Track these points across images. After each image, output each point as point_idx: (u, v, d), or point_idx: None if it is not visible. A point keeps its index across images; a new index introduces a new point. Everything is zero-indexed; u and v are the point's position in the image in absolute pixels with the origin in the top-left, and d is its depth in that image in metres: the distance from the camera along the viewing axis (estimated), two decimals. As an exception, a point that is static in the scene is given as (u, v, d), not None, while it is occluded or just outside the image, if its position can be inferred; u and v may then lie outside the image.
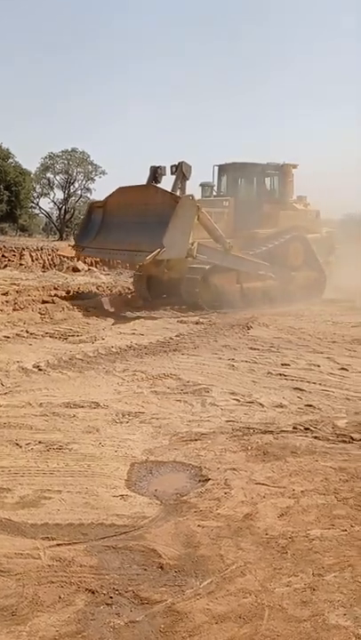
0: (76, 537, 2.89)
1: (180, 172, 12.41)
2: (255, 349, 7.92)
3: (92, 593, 2.44)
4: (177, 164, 12.49)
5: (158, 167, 12.63)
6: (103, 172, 43.63)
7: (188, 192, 12.64)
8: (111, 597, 2.41)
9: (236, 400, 5.42)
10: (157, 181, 12.54)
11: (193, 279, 12.17)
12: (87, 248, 13.38)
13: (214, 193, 14.79)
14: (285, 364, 6.92)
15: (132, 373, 6.39)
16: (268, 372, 6.52)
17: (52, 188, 43.77)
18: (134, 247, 11.30)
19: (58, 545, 2.81)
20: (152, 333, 9.28)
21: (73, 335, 8.87)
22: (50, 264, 20.66)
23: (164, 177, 12.81)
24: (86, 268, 20.36)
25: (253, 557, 2.72)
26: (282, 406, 5.23)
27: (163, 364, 6.89)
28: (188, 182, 12.92)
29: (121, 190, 13.79)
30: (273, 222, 14.42)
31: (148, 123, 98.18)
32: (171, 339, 8.76)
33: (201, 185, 14.75)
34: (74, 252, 14.24)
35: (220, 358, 7.31)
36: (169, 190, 12.14)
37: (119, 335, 9.01)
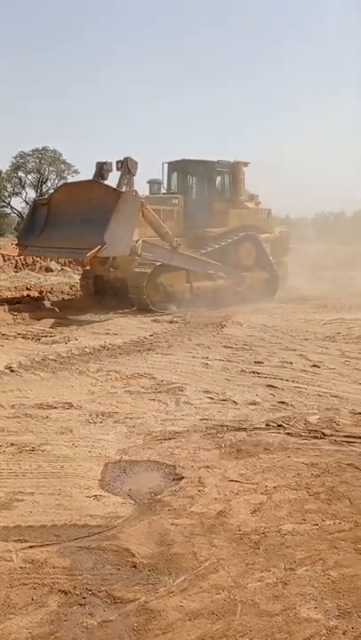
0: (49, 538, 2.88)
1: (126, 167, 11.99)
2: (229, 348, 7.97)
3: (65, 594, 2.43)
4: (122, 159, 12.08)
5: (104, 163, 12.15)
6: (76, 172, 43.36)
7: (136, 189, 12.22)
8: (84, 598, 2.40)
9: (210, 398, 5.45)
10: (104, 177, 12.10)
11: (139, 278, 11.79)
12: (30, 247, 12.90)
13: (163, 190, 14.49)
14: (259, 362, 6.98)
15: (106, 373, 6.37)
16: (242, 370, 6.57)
17: (23, 188, 43.37)
18: (77, 245, 10.93)
19: (30, 547, 2.79)
20: (126, 333, 9.26)
21: (46, 336, 8.80)
22: (22, 264, 20.42)
23: (110, 173, 12.35)
24: (59, 267, 20.20)
25: (226, 554, 2.74)
26: (255, 404, 5.27)
27: (137, 364, 6.89)
28: (136, 179, 12.55)
29: (65, 187, 13.50)
30: (223, 221, 14.22)
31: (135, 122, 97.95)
32: (145, 338, 8.76)
33: (149, 182, 14.47)
34: (17, 251, 13.62)
35: (194, 357, 7.33)
36: (113, 186, 11.77)
37: (93, 335, 8.96)
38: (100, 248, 10.19)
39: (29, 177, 43.61)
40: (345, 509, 3.18)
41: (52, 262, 20.11)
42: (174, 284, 12.45)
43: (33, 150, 42.84)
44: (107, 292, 12.92)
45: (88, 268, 13.73)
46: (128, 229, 10.85)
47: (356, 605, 2.34)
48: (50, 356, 7.19)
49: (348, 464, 3.81)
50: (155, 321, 10.67)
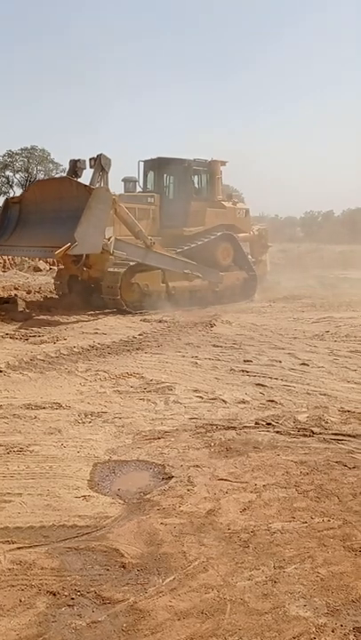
0: (37, 539, 2.85)
1: (99, 164, 11.71)
2: (218, 347, 7.97)
3: (54, 595, 2.41)
4: (95, 156, 11.82)
5: (77, 160, 11.89)
6: (65, 171, 43.15)
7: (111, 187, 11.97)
8: (73, 599, 2.38)
9: (200, 397, 5.45)
10: (78, 175, 11.84)
11: (113, 279, 11.60)
12: (1, 246, 12.59)
13: (139, 189, 14.27)
14: (248, 361, 6.99)
15: (95, 373, 6.35)
16: (231, 369, 6.57)
17: (11, 187, 43.13)
18: (48, 243, 10.68)
19: (18, 548, 2.77)
20: (115, 332, 9.23)
21: (34, 336, 8.74)
22: (10, 263, 20.31)
23: (84, 170, 12.05)
24: (48, 267, 20.10)
25: (216, 553, 2.73)
26: (244, 402, 5.27)
27: (126, 363, 6.87)
28: (111, 177, 12.21)
29: (37, 184, 13.24)
30: (200, 220, 14.08)
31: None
32: (134, 337, 8.74)
33: (123, 180, 14.19)
34: None
35: (184, 356, 7.33)
36: (85, 183, 11.48)
37: (82, 335, 8.93)
38: (70, 246, 9.96)
39: (17, 176, 43.41)
40: (334, 507, 3.19)
41: (40, 262, 20.01)
42: (150, 285, 12.23)
43: (21, 149, 42.67)
44: (82, 292, 12.69)
45: (62, 267, 13.49)
46: (99, 227, 10.64)
47: (344, 603, 2.34)
48: (38, 356, 7.14)
49: (336, 462, 3.83)
50: (144, 320, 10.65)
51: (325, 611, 2.29)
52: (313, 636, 2.15)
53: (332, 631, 2.17)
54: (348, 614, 2.27)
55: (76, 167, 11.80)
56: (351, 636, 2.15)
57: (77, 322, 10.30)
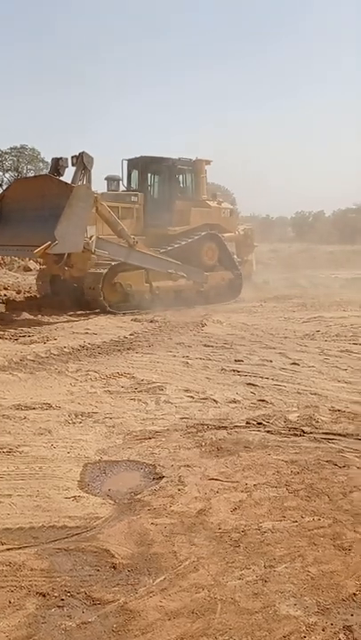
0: (27, 541, 2.83)
1: (81, 162, 11.49)
2: (209, 346, 7.98)
3: (43, 596, 2.39)
4: (77, 154, 11.62)
5: (60, 158, 11.66)
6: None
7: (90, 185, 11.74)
8: (63, 600, 2.37)
9: (191, 397, 5.44)
10: (60, 174, 11.62)
11: (95, 278, 11.51)
12: None
13: (123, 187, 14.17)
14: (239, 360, 6.99)
15: (86, 373, 6.33)
16: (222, 369, 6.57)
17: (0, 186, 42.86)
18: (28, 242, 10.47)
19: (7, 549, 2.75)
20: (105, 332, 9.21)
21: (24, 336, 8.70)
22: (0, 263, 20.20)
23: (67, 169, 11.74)
24: (38, 267, 20.00)
25: (206, 552, 2.73)
26: (235, 402, 5.28)
27: (117, 363, 6.85)
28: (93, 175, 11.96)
29: (18, 182, 13.03)
30: (185, 219, 14.03)
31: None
32: (125, 337, 8.72)
33: (106, 178, 14.08)
34: None
35: (175, 356, 7.32)
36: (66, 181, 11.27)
37: (72, 335, 8.90)
38: (50, 244, 9.80)
39: (7, 175, 43.20)
40: (324, 506, 3.20)
41: (31, 261, 19.92)
42: (133, 284, 12.13)
43: (11, 148, 42.48)
44: (64, 292, 12.55)
45: (44, 267, 13.34)
46: (80, 225, 10.48)
47: (335, 602, 2.34)
48: (28, 357, 7.11)
49: (327, 461, 3.84)
50: (135, 320, 10.64)
51: (316, 609, 2.29)
52: (303, 634, 2.15)
53: (323, 630, 2.17)
54: (338, 613, 2.28)
55: (58, 165, 11.60)
56: (341, 635, 2.15)
57: (68, 322, 10.27)
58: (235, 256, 15.28)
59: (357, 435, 4.34)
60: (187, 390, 5.65)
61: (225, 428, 4.55)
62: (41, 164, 43.34)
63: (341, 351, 7.52)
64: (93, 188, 11.55)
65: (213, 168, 15.11)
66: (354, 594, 2.39)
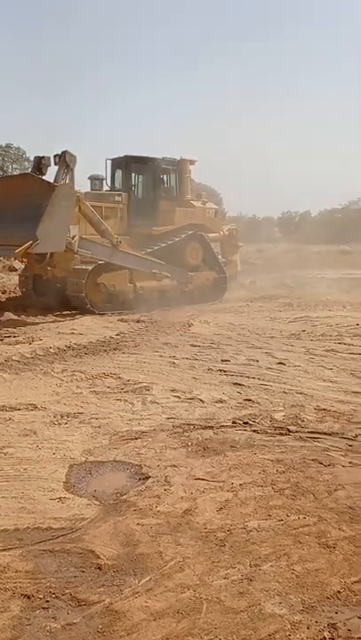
0: (12, 542, 2.81)
1: (64, 161, 11.34)
2: (196, 346, 7.98)
3: (28, 598, 2.38)
4: (60, 153, 11.46)
5: (42, 157, 11.52)
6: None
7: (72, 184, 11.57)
8: (47, 601, 2.36)
9: (177, 397, 5.44)
10: (42, 172, 11.47)
11: (78, 278, 11.42)
12: None
13: (107, 187, 14.07)
14: (225, 360, 7.01)
15: (71, 374, 6.30)
16: (209, 369, 6.58)
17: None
18: (9, 241, 10.38)
19: (-8, 552, 2.73)
20: (92, 333, 9.18)
21: (9, 336, 8.65)
22: (-15, 264, 20.03)
23: (49, 167, 11.61)
24: (22, 266, 19.87)
25: (192, 552, 2.73)
26: (222, 401, 5.28)
27: (103, 364, 6.83)
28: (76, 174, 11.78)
29: (0, 181, 12.98)
30: (169, 219, 13.98)
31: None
32: (111, 337, 8.70)
33: (90, 178, 13.93)
34: None
35: (161, 356, 7.32)
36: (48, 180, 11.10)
37: (58, 335, 8.86)
38: (32, 244, 9.70)
39: (-8, 175, 42.82)
40: (309, 504, 3.21)
41: (16, 261, 19.77)
42: (116, 284, 12.06)
43: (-4, 148, 42.13)
44: (47, 292, 12.43)
45: (26, 266, 13.24)
46: (62, 224, 10.36)
47: (319, 599, 2.36)
48: (13, 357, 7.06)
49: (312, 460, 3.86)
50: (121, 320, 10.62)
51: (301, 608, 2.30)
52: (288, 633, 2.16)
53: (307, 628, 2.18)
54: (322, 611, 2.29)
55: (40, 164, 11.48)
56: (326, 633, 2.16)
57: (53, 322, 10.23)
58: (219, 256, 15.27)
59: (343, 433, 4.37)
60: (173, 390, 5.65)
61: (211, 427, 4.56)
62: (26, 164, 43.06)
63: (327, 351, 7.56)
64: (77, 188, 11.50)
65: (199, 168, 15.11)
66: (338, 591, 2.41)
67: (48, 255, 10.84)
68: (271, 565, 2.61)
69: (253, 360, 7.01)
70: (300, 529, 2.94)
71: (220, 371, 6.47)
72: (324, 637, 2.13)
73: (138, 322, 10.37)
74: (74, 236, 10.91)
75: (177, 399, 5.37)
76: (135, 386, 5.79)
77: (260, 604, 2.32)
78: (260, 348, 7.86)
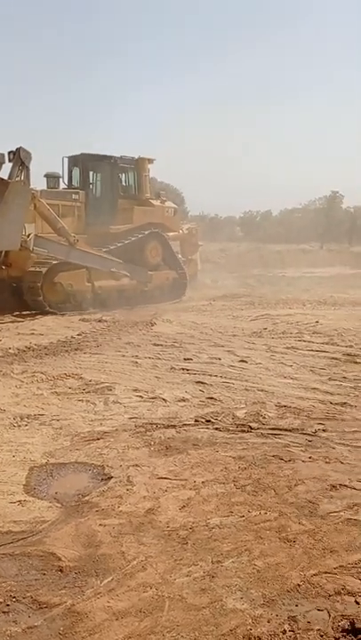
0: (-30, 547, 2.76)
1: (18, 158, 11.12)
2: (159, 345, 7.98)
3: (-12, 603, 2.34)
4: (14, 149, 11.22)
5: None
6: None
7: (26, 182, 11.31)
8: (8, 605, 2.32)
9: (140, 397, 5.43)
10: None
11: (34, 278, 11.25)
12: None
13: (64, 185, 13.99)
14: (188, 359, 7.03)
15: (32, 375, 6.21)
16: (172, 368, 6.60)
17: None
18: None
19: None
20: (53, 333, 9.07)
21: (-32, 338, 8.46)
22: None
23: (4, 165, 11.19)
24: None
25: (155, 551, 2.73)
26: (184, 400, 5.30)
27: (64, 364, 6.76)
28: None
29: None
30: (128, 218, 13.94)
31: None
32: (72, 338, 8.62)
33: (46, 175, 13.83)
34: None
35: (124, 356, 7.29)
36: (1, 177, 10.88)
37: (17, 336, 8.72)
38: None
39: None
40: (270, 500, 3.26)
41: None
42: (74, 284, 11.94)
43: None
44: (3, 292, 12.10)
45: None
46: (16, 222, 10.22)
47: (280, 593, 2.39)
48: (-28, 359, 6.92)
49: (273, 456, 3.91)
50: (83, 320, 10.53)
51: (262, 602, 2.33)
52: (249, 627, 2.18)
53: (268, 622, 2.21)
54: (283, 604, 2.32)
55: None
56: (286, 625, 2.20)
57: (13, 322, 10.06)
58: (179, 255, 15.30)
59: (303, 429, 4.45)
60: (136, 390, 5.64)
61: (174, 426, 4.57)
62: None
63: (287, 348, 7.68)
64: (33, 185, 11.32)
65: (162, 167, 15.12)
66: (298, 584, 2.45)
67: (2, 254, 10.63)
68: (233, 561, 2.63)
69: (216, 358, 7.06)
70: (262, 524, 2.98)
71: (183, 369, 6.50)
72: (285, 630, 2.17)
73: (100, 321, 10.31)
74: (29, 235, 10.74)
75: (139, 399, 5.37)
76: (97, 386, 5.76)
77: (221, 600, 2.34)
78: (223, 346, 7.92)
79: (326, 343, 7.98)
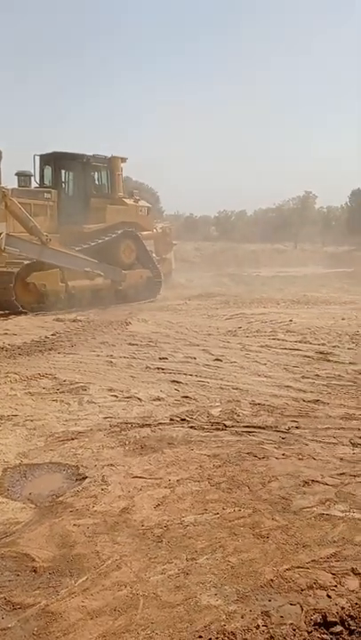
0: None
1: None
2: (134, 345, 7.98)
3: None
4: None
5: None
6: None
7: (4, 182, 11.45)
8: (-20, 608, 2.30)
9: (115, 396, 5.42)
10: None
11: (7, 278, 11.16)
12: None
13: (36, 184, 13.86)
14: (163, 358, 7.04)
15: (5, 375, 6.14)
16: (147, 367, 6.60)
17: None
18: None
19: None
20: (26, 333, 8.99)
21: None
22: None
23: None
24: None
25: (129, 550, 2.73)
26: (159, 399, 5.31)
27: (38, 364, 6.71)
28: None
29: None
30: (101, 217, 13.90)
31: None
32: (46, 337, 8.55)
33: (17, 174, 13.62)
34: None
35: (99, 355, 7.27)
36: None
37: (-9, 336, 8.61)
38: None
39: None
40: (245, 497, 3.29)
41: None
42: (47, 284, 11.86)
43: None
44: None
45: None
46: None
47: (253, 589, 2.42)
48: None
49: (247, 453, 3.95)
50: (57, 320, 10.45)
51: (235, 598, 2.36)
52: (223, 623, 2.20)
53: (242, 617, 2.24)
54: (256, 600, 2.35)
55: None
56: (260, 620, 2.22)
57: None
58: (153, 254, 15.29)
59: (276, 427, 4.50)
60: (110, 389, 5.62)
61: (149, 425, 4.57)
62: None
63: (261, 346, 7.75)
64: (4, 184, 11.18)
65: (132, 165, 15.06)
66: (271, 580, 2.48)
67: None
68: (207, 558, 2.65)
69: (191, 357, 7.08)
70: (236, 521, 3.00)
71: (158, 369, 6.50)
72: (258, 625, 2.19)
73: (74, 321, 10.24)
74: (0, 234, 10.64)
75: (114, 398, 5.36)
76: (72, 386, 5.73)
77: (196, 597, 2.36)
78: (198, 345, 7.95)
79: (300, 341, 8.08)
